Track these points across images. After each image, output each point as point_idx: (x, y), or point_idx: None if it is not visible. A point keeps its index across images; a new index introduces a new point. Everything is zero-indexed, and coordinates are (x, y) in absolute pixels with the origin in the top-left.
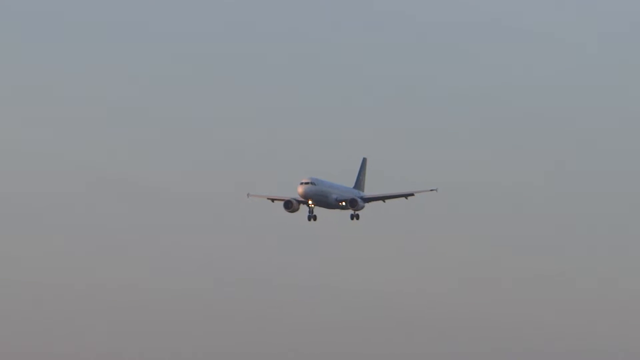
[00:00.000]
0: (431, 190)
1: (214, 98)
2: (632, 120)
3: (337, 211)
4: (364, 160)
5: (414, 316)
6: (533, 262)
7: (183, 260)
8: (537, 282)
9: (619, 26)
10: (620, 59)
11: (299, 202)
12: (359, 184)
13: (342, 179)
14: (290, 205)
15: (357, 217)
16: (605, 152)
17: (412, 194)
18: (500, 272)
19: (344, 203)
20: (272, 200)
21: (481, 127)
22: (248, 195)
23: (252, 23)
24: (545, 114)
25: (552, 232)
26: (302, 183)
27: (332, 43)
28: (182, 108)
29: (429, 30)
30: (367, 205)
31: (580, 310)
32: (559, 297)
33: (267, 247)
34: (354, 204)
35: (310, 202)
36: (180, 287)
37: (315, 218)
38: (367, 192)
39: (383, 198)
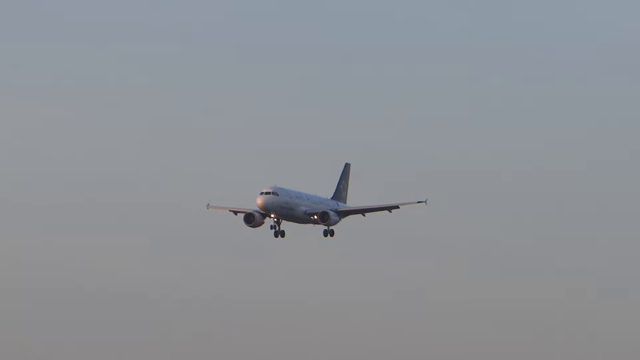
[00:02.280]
0: (419, 202)
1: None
2: None
3: (310, 226)
4: (347, 167)
5: None
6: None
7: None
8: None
9: None
10: None
11: (263, 215)
12: (338, 193)
13: (322, 189)
14: (251, 219)
15: (332, 233)
16: None
17: (396, 207)
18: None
19: (315, 217)
20: (235, 212)
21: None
22: (208, 206)
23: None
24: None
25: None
26: (261, 193)
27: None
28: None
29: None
30: (345, 219)
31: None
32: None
33: (216, 267)
34: (324, 218)
35: (272, 215)
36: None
37: (282, 234)
38: (351, 204)
39: (362, 211)
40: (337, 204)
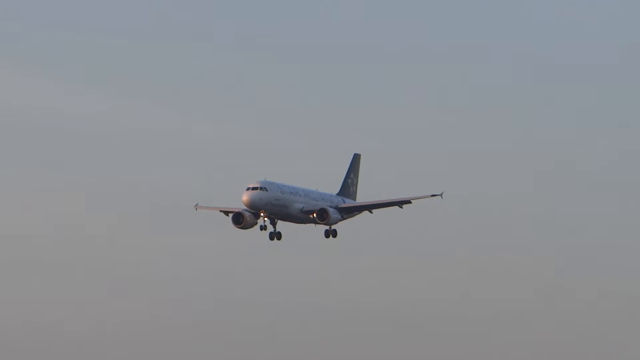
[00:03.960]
0: (433, 195)
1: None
2: None
3: (310, 227)
4: (356, 158)
5: None
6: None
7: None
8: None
9: None
10: None
11: (255, 214)
12: (346, 189)
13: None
14: (241, 220)
15: (334, 234)
16: None
17: (408, 202)
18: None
19: (314, 215)
20: (227, 213)
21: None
22: (196, 207)
23: None
24: None
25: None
26: (247, 188)
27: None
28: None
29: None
30: (349, 217)
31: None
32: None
33: (201, 274)
34: (323, 216)
35: (262, 214)
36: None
37: (279, 236)
38: (362, 200)
39: (369, 207)
40: (343, 201)
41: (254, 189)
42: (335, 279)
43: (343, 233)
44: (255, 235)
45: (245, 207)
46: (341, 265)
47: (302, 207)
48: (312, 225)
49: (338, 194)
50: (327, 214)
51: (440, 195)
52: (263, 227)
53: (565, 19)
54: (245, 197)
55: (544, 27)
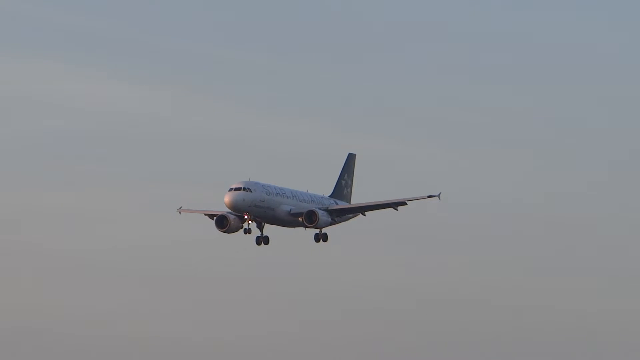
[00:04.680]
0: (430, 196)
1: None
2: None
3: (299, 230)
4: (350, 158)
5: None
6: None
7: None
8: None
9: None
10: None
11: (240, 217)
12: (339, 190)
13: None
14: (224, 223)
15: (325, 238)
16: None
17: (404, 203)
18: None
19: (303, 218)
20: (212, 216)
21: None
22: (179, 210)
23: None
24: None
25: None
26: (230, 189)
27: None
28: None
29: None
30: (343, 221)
31: None
32: None
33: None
34: (312, 219)
35: (246, 216)
36: None
37: (266, 241)
38: (357, 202)
39: (361, 209)
40: (336, 203)
41: (237, 189)
42: (323, 283)
43: (335, 237)
44: (240, 240)
45: (229, 210)
46: (330, 270)
47: (290, 210)
48: (303, 229)
49: (331, 196)
50: (316, 217)
51: (438, 196)
52: (247, 231)
53: None
54: (227, 198)
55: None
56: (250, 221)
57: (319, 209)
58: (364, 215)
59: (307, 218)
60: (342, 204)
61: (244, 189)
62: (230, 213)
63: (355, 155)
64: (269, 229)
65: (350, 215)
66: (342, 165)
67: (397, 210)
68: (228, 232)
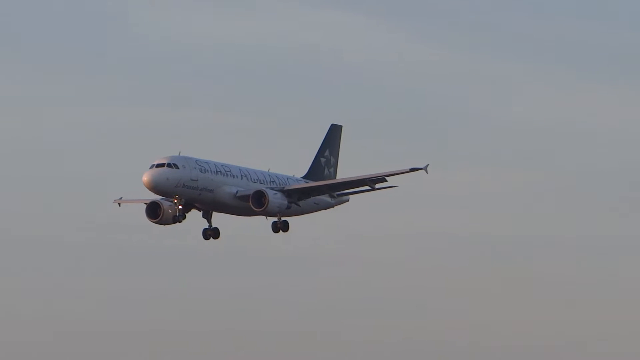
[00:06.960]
0: (413, 170)
1: None
2: None
3: (256, 220)
4: (334, 129)
5: None
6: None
7: None
8: None
9: None
10: None
11: (179, 204)
12: (317, 170)
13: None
14: (157, 212)
15: (284, 227)
16: None
17: (383, 179)
18: None
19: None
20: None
21: None
22: (119, 202)
23: None
24: None
25: None
26: (151, 166)
27: None
28: None
29: None
30: (317, 209)
31: None
32: None
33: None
34: (260, 202)
35: (176, 201)
36: None
37: (215, 234)
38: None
39: (328, 189)
40: (295, 182)
41: (159, 165)
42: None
43: (294, 226)
44: (180, 233)
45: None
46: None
47: (237, 192)
48: (264, 218)
49: (305, 177)
50: (266, 199)
51: (425, 169)
52: (177, 219)
53: None
54: (146, 177)
55: None
56: (180, 206)
57: (271, 188)
58: (334, 197)
59: (255, 200)
60: (300, 184)
61: (169, 164)
62: (164, 199)
63: (341, 127)
64: (219, 219)
65: (333, 199)
66: (322, 138)
67: (374, 189)
68: (162, 224)
